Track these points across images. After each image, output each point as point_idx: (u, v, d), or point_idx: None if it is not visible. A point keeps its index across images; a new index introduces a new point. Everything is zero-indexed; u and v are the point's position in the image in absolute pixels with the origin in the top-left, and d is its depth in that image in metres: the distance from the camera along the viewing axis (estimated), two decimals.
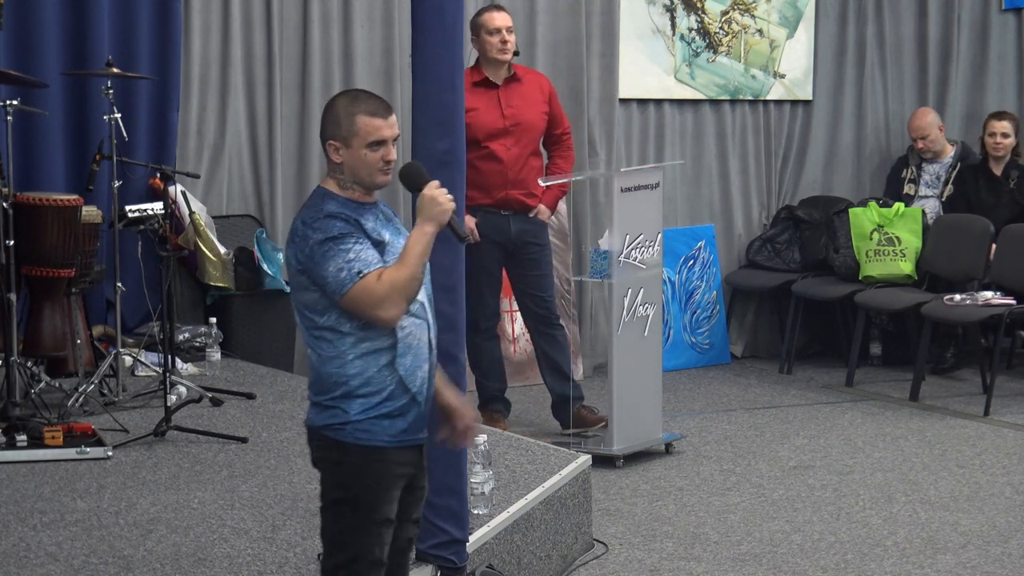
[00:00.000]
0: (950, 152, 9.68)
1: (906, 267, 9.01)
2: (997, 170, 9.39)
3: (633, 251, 7.13)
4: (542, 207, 7.49)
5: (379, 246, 3.83)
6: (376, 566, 3.89)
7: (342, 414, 3.82)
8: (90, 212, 7.28)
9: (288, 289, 8.21)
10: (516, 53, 7.50)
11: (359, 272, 3.73)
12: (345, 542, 3.86)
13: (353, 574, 3.86)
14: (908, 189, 9.70)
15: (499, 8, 7.59)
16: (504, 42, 7.36)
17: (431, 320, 3.96)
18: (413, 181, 3.92)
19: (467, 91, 7.25)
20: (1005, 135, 9.33)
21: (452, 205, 3.87)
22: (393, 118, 3.88)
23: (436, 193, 3.85)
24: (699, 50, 9.79)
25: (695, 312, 9.76)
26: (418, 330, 3.90)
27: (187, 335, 7.96)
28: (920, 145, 9.62)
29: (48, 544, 4.89)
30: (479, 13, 7.49)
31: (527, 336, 8.05)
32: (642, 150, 9.69)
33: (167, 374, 6.48)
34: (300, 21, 8.60)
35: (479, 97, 7.30)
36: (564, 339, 7.60)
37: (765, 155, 10.13)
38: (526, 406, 8.20)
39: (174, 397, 6.70)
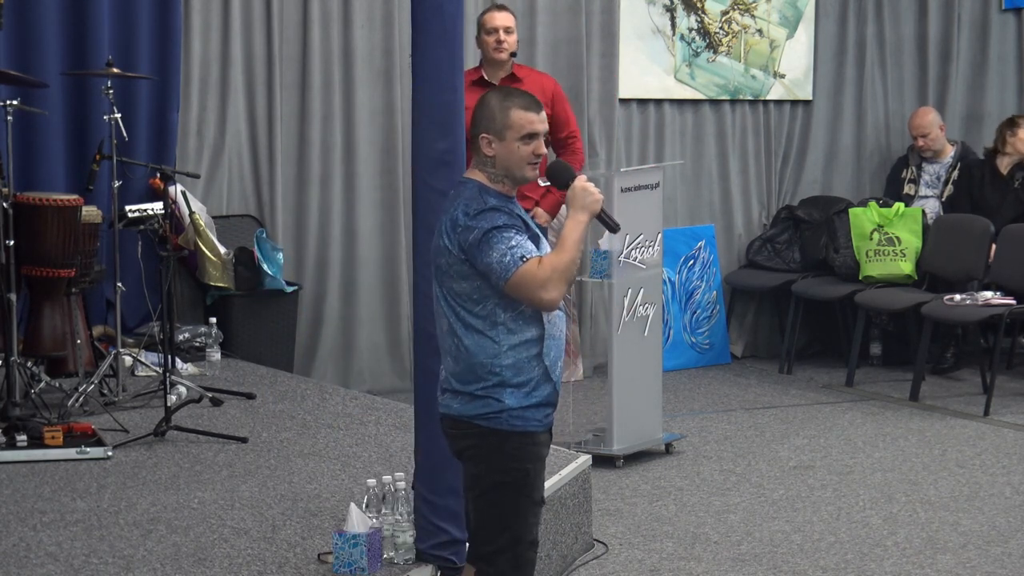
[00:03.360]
0: (950, 152, 9.69)
1: (906, 267, 9.01)
2: (1003, 168, 9.38)
3: (633, 251, 7.13)
4: (539, 211, 7.45)
5: (536, 239, 4.03)
6: (534, 546, 4.08)
7: (496, 403, 3.99)
8: (90, 212, 7.28)
9: (286, 289, 8.28)
10: (513, 54, 7.48)
11: (522, 257, 3.92)
12: (508, 525, 4.03)
13: (516, 556, 4.05)
14: (908, 189, 9.70)
15: (501, 8, 7.57)
16: (499, 42, 7.35)
17: (566, 313, 4.15)
18: (562, 176, 4.13)
19: (465, 89, 7.27)
20: None
21: (602, 196, 4.08)
22: (544, 114, 4.08)
23: (587, 184, 4.07)
24: (699, 50, 9.80)
25: (695, 312, 9.75)
26: (560, 322, 4.09)
27: (187, 335, 7.96)
28: (920, 143, 9.62)
29: (48, 544, 4.89)
30: (482, 12, 7.49)
31: None
32: (642, 150, 9.69)
33: (167, 374, 6.48)
34: (300, 21, 8.60)
35: (475, 96, 7.28)
36: None
37: (765, 155, 10.13)
38: None
39: (174, 397, 6.70)
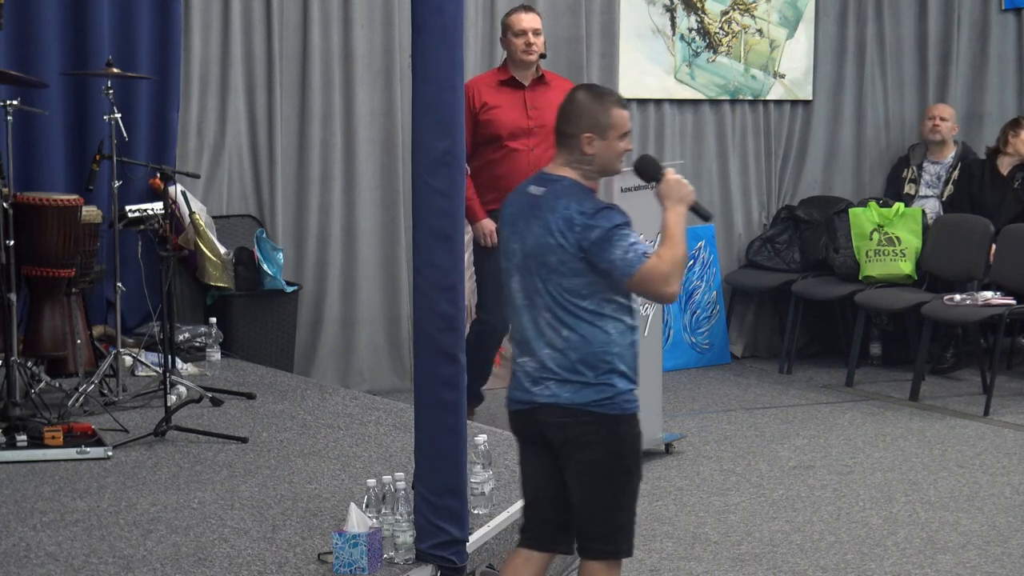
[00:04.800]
0: (951, 152, 9.69)
1: (906, 267, 9.01)
2: (1003, 169, 9.38)
3: None
4: None
5: None
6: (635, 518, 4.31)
7: (609, 389, 4.19)
8: (90, 212, 7.28)
9: (287, 288, 8.28)
10: (543, 56, 7.42)
11: (644, 253, 4.10)
12: (622, 505, 4.25)
13: (628, 532, 4.28)
14: (908, 189, 9.71)
15: (528, 9, 7.47)
16: (529, 44, 7.27)
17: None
18: (650, 170, 4.32)
19: (492, 88, 7.26)
20: None
21: (693, 188, 4.30)
22: None
23: (679, 177, 4.28)
24: (699, 50, 9.79)
25: (695, 312, 9.76)
26: (639, 317, 4.28)
27: (187, 335, 7.96)
28: (936, 123, 9.59)
29: (48, 544, 4.89)
30: (508, 13, 7.41)
31: None
32: (642, 150, 9.67)
33: (167, 374, 6.48)
34: (300, 21, 8.60)
35: (504, 95, 7.25)
36: None
37: (765, 155, 10.13)
38: None
39: (174, 397, 6.70)
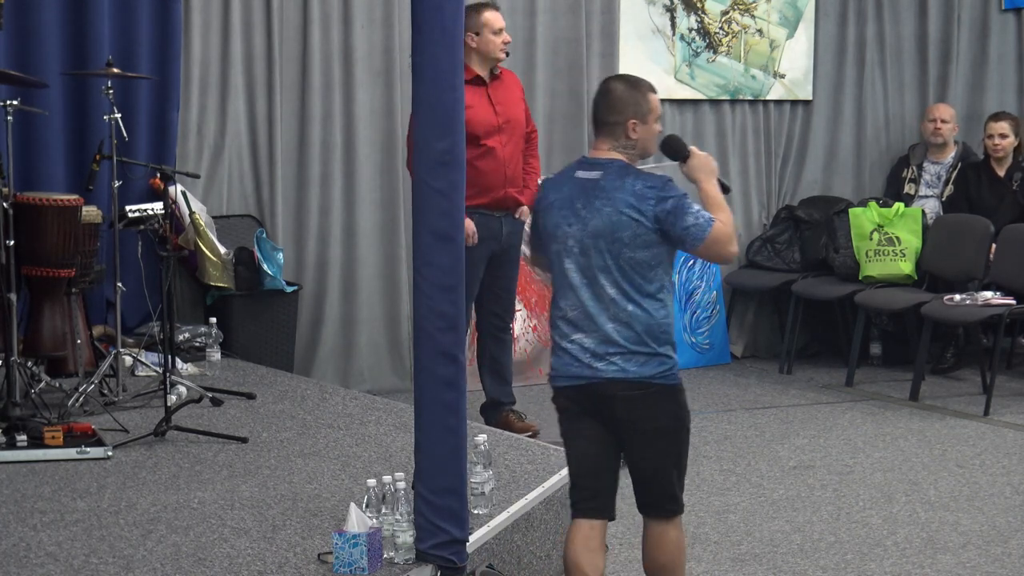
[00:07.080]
0: (951, 152, 9.69)
1: (906, 267, 9.01)
2: (1000, 171, 9.38)
3: None
4: (525, 208, 7.41)
5: None
6: None
7: (669, 360, 4.56)
8: (90, 212, 7.28)
9: (287, 289, 8.28)
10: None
11: (710, 219, 4.42)
12: (684, 465, 4.76)
13: (683, 487, 4.75)
14: (908, 189, 9.71)
15: (495, 7, 7.52)
16: (507, 43, 7.33)
17: None
18: (678, 150, 4.64)
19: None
20: (1003, 136, 9.33)
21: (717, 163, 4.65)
22: None
23: (705, 153, 4.62)
24: (699, 50, 9.80)
25: (695, 312, 9.76)
26: None
27: (187, 335, 7.96)
28: (938, 126, 9.60)
29: (48, 544, 4.88)
30: (479, 10, 7.39)
31: (527, 336, 8.03)
32: None
33: (167, 374, 6.48)
34: (300, 21, 8.60)
35: (472, 94, 7.20)
36: (511, 344, 7.55)
37: (765, 155, 10.13)
38: (526, 406, 8.19)
39: (174, 397, 6.70)
